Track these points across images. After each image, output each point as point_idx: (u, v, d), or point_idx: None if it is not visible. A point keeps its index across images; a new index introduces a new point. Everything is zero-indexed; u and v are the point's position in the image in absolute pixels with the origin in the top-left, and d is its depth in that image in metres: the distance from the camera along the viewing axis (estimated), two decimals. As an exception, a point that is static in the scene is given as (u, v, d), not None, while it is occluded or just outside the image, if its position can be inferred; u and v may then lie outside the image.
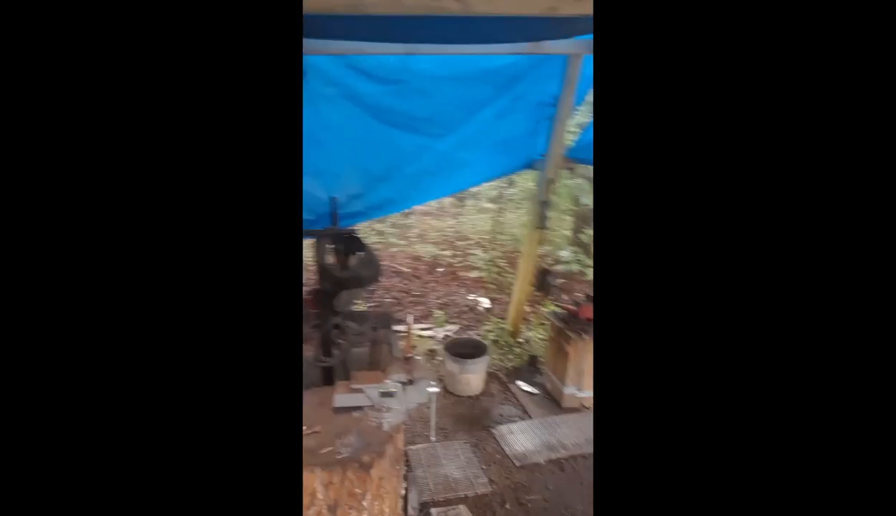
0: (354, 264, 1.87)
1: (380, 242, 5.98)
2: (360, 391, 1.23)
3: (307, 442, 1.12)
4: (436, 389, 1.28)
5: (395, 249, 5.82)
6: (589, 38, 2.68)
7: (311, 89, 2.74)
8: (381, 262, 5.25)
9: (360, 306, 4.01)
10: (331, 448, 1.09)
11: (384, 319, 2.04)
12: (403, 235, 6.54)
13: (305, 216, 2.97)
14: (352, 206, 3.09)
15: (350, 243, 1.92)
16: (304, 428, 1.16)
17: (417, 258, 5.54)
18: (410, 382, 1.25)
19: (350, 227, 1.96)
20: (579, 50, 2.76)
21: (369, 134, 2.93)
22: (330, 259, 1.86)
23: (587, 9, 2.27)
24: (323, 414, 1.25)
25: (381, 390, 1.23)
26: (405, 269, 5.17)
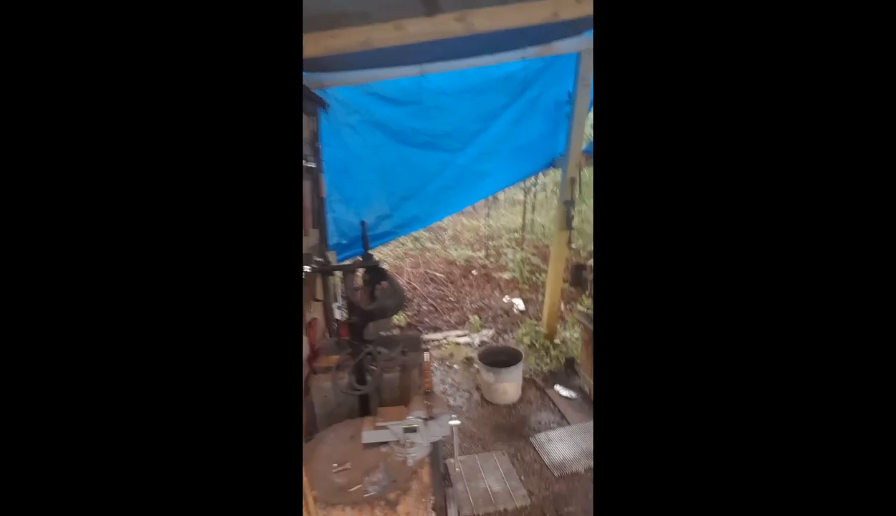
0: (379, 296, 1.97)
1: (414, 248, 6.12)
2: (385, 428, 1.32)
3: (338, 480, 1.23)
4: (456, 422, 1.34)
5: (429, 254, 5.93)
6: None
7: (336, 119, 2.89)
8: (421, 269, 5.34)
9: (398, 318, 4.16)
10: (359, 486, 1.19)
11: (413, 342, 2.13)
12: (437, 238, 6.64)
13: (338, 240, 3.13)
14: (381, 227, 3.22)
15: (374, 274, 2.02)
16: (334, 465, 1.27)
17: (451, 262, 5.62)
18: (432, 418, 1.32)
19: (374, 260, 2.05)
20: (589, 46, 2.68)
21: (392, 155, 3.04)
22: (356, 293, 1.97)
23: (590, 10, 2.21)
24: (354, 448, 1.35)
25: (405, 426, 1.31)
26: (440, 275, 5.27)
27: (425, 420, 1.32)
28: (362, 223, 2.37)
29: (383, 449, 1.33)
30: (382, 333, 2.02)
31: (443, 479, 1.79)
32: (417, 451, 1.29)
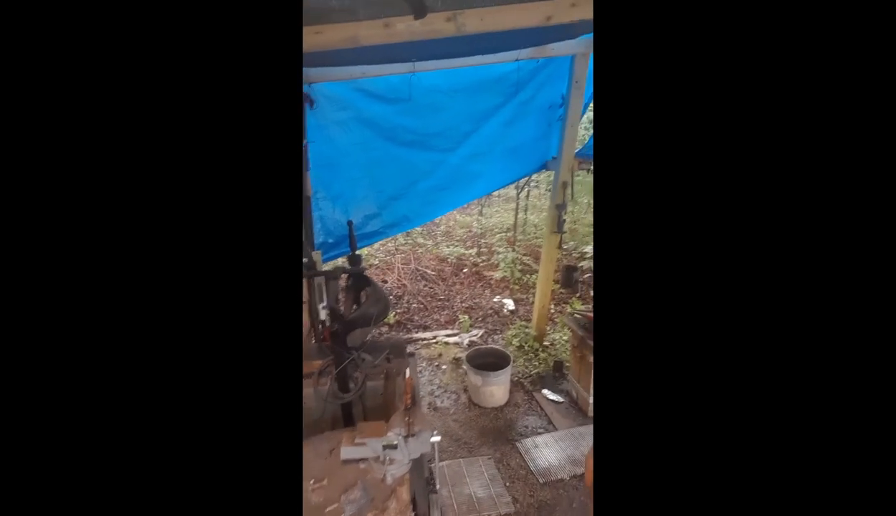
0: (363, 302, 1.93)
1: (406, 243, 6.07)
2: (363, 444, 1.29)
3: (314, 498, 1.20)
4: (437, 438, 1.32)
5: (420, 250, 5.89)
6: (591, 37, 2.58)
7: (323, 115, 2.82)
8: (412, 266, 5.28)
9: (388, 319, 4.12)
10: (336, 505, 1.17)
11: (398, 348, 2.10)
12: (430, 233, 6.59)
13: (325, 239, 3.08)
14: (369, 226, 3.17)
15: (357, 281, 1.98)
16: (311, 481, 1.25)
17: (443, 259, 5.59)
18: (412, 435, 1.30)
19: (361, 262, 2.01)
20: (583, 49, 2.65)
21: (382, 153, 2.98)
22: (339, 301, 1.93)
23: (583, 14, 2.17)
24: (332, 464, 1.33)
25: (385, 443, 1.28)
26: (430, 272, 5.23)
27: (405, 437, 1.30)
28: (349, 222, 2.33)
29: (362, 465, 1.30)
30: (367, 338, 1.98)
31: (427, 484, 1.77)
32: (397, 469, 1.27)
